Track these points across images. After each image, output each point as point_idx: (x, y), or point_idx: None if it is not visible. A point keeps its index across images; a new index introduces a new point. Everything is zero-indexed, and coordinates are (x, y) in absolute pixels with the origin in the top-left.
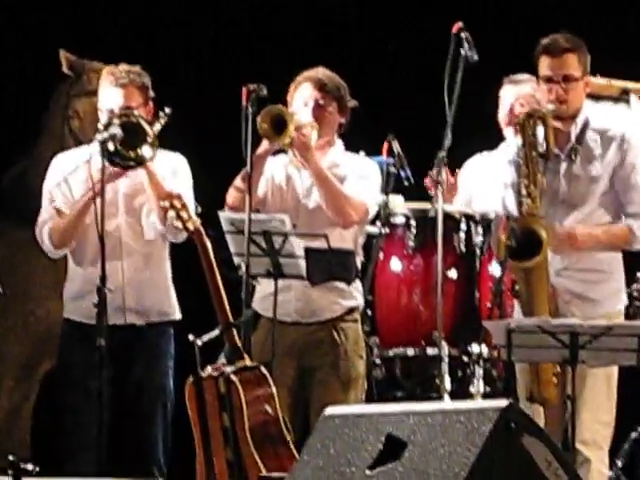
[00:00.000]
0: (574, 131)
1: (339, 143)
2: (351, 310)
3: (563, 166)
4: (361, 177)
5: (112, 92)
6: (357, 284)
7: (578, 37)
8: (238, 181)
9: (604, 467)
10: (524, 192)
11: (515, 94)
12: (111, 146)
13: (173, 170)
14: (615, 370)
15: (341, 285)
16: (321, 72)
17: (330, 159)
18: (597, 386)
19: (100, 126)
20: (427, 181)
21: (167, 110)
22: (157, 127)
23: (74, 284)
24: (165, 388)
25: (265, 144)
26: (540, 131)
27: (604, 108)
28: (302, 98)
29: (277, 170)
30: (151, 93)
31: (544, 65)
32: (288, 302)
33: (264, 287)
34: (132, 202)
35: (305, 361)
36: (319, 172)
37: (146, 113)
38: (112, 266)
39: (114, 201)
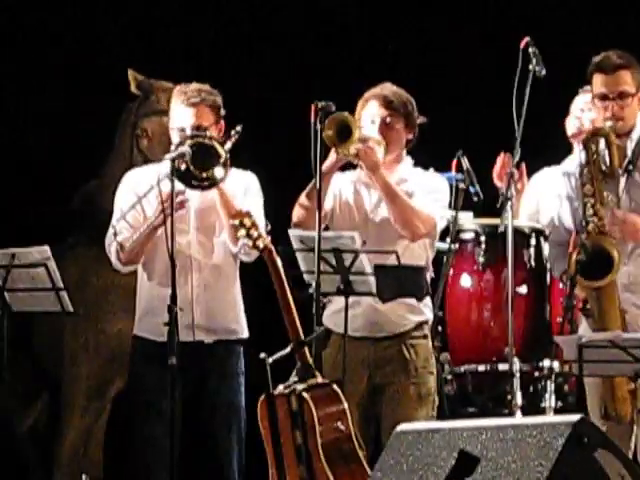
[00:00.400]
0: (630, 146)
1: (407, 159)
2: (420, 325)
3: (622, 181)
4: (429, 192)
5: (183, 111)
6: (426, 300)
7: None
8: (303, 198)
9: None
10: (591, 211)
11: (584, 102)
12: (183, 166)
13: (244, 188)
14: None
15: (410, 300)
16: (387, 89)
17: (398, 175)
18: None
19: (172, 146)
20: (495, 175)
21: (238, 128)
22: (228, 145)
23: (142, 300)
24: (237, 406)
25: (332, 157)
26: (603, 149)
27: None
28: (369, 116)
29: (345, 186)
30: (222, 112)
31: (598, 83)
32: (357, 317)
33: (334, 303)
34: (203, 219)
35: (376, 378)
36: (386, 185)
37: (217, 132)
38: (181, 283)
39: (185, 218)
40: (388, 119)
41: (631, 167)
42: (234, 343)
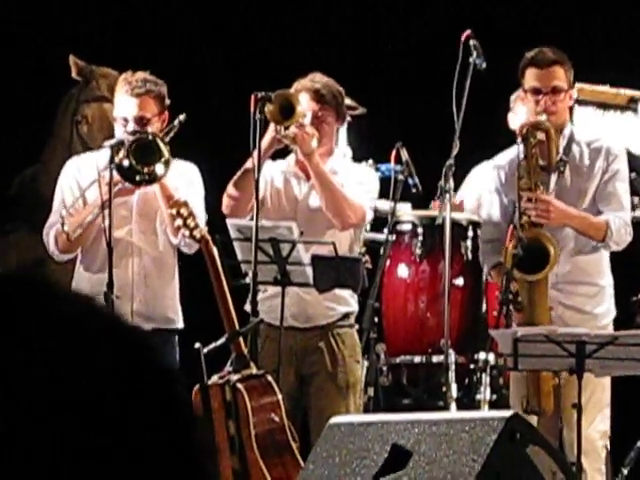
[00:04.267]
0: (562, 143)
1: (337, 152)
2: (346, 315)
3: (552, 178)
4: (359, 183)
5: (127, 101)
6: None
7: (589, 47)
8: (231, 188)
9: (601, 477)
10: (528, 204)
11: None
12: (126, 162)
13: (186, 179)
14: (609, 379)
15: (337, 291)
16: (318, 80)
17: (329, 167)
18: (594, 396)
19: (117, 136)
20: (434, 205)
21: (181, 117)
22: (170, 135)
23: (81, 288)
24: None
25: (270, 134)
26: (542, 142)
27: (612, 117)
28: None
29: (275, 175)
30: (167, 102)
31: (531, 77)
32: (283, 307)
33: (260, 291)
34: (145, 207)
35: (303, 368)
36: (320, 172)
37: (161, 122)
38: (122, 270)
39: (127, 206)
40: (320, 113)
41: (562, 164)
42: (170, 333)
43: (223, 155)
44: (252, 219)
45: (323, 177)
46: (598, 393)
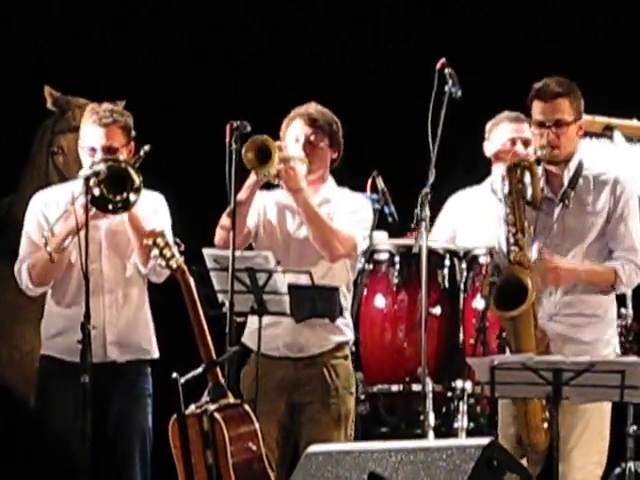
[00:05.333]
0: (567, 175)
1: (331, 179)
2: (340, 345)
3: (557, 211)
4: (351, 212)
5: (94, 131)
6: (347, 320)
7: (565, 76)
8: (224, 219)
9: None
10: (512, 240)
11: (514, 131)
12: (97, 191)
13: (153, 209)
14: (608, 409)
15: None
16: (313, 107)
17: (322, 195)
18: (590, 426)
19: (85, 165)
20: (410, 236)
21: (146, 148)
22: (136, 165)
23: (53, 322)
24: (144, 427)
25: (252, 178)
26: (527, 179)
27: (588, 144)
28: (294, 134)
29: (269, 205)
30: (133, 133)
31: (536, 110)
32: (277, 337)
33: (254, 322)
34: (114, 240)
35: (295, 397)
36: (306, 205)
37: (128, 153)
38: (94, 304)
39: (96, 239)
40: (312, 137)
41: (566, 198)
42: (144, 363)
43: (198, 185)
44: (250, 248)
45: (310, 212)
46: (595, 423)
